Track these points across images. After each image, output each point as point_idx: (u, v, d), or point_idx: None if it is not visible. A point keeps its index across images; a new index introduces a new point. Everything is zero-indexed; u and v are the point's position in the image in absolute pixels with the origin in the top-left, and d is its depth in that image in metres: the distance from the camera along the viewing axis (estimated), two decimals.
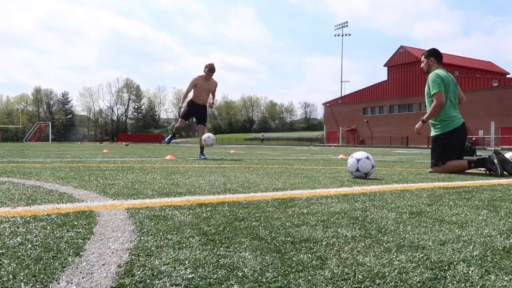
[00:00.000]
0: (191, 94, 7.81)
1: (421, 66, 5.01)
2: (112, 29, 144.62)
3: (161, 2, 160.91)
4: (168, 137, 8.42)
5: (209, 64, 7.54)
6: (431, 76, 4.75)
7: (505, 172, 4.26)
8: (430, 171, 4.67)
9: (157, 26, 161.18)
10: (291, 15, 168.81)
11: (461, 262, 1.16)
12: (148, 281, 0.98)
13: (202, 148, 7.98)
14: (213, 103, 7.85)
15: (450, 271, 1.09)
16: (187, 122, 8.09)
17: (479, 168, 4.60)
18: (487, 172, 4.41)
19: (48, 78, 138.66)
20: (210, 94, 7.77)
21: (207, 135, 7.52)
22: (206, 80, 7.56)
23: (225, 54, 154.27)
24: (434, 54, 4.92)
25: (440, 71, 4.75)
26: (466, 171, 4.64)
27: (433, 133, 4.79)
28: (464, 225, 1.68)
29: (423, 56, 5.00)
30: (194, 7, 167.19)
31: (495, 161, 4.24)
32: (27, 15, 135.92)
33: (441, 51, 5.00)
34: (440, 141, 4.67)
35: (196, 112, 7.83)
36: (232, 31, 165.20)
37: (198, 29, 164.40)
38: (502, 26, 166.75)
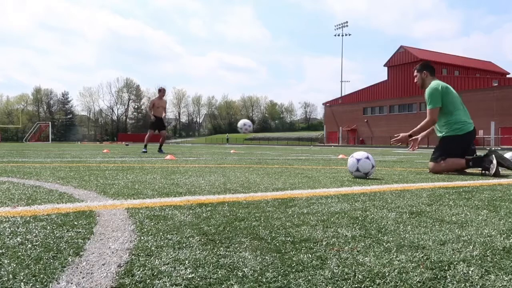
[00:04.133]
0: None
1: (415, 81, 4.84)
2: (110, 28, 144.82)
3: (159, 1, 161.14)
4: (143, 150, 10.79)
5: (160, 88, 11.15)
6: (428, 90, 4.60)
7: (500, 171, 4.20)
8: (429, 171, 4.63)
9: (155, 26, 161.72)
10: (290, 15, 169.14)
11: (461, 262, 1.16)
12: (148, 281, 0.98)
13: (146, 143, 10.98)
14: (165, 115, 11.20)
15: (450, 271, 1.09)
16: (154, 131, 11.03)
17: (477, 168, 4.51)
18: (483, 171, 4.32)
19: (47, 78, 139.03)
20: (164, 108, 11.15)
21: (242, 123, 8.11)
22: (159, 99, 11.07)
23: (224, 53, 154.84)
24: (427, 67, 4.76)
25: (439, 83, 4.60)
26: (465, 170, 4.58)
27: (445, 134, 4.61)
28: (464, 225, 1.68)
29: (415, 71, 4.82)
30: (192, 6, 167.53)
31: (494, 161, 4.18)
32: (24, 14, 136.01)
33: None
34: (450, 141, 4.54)
35: (157, 123, 10.98)
36: (231, 30, 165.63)
37: (196, 28, 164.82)
38: (501, 25, 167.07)
